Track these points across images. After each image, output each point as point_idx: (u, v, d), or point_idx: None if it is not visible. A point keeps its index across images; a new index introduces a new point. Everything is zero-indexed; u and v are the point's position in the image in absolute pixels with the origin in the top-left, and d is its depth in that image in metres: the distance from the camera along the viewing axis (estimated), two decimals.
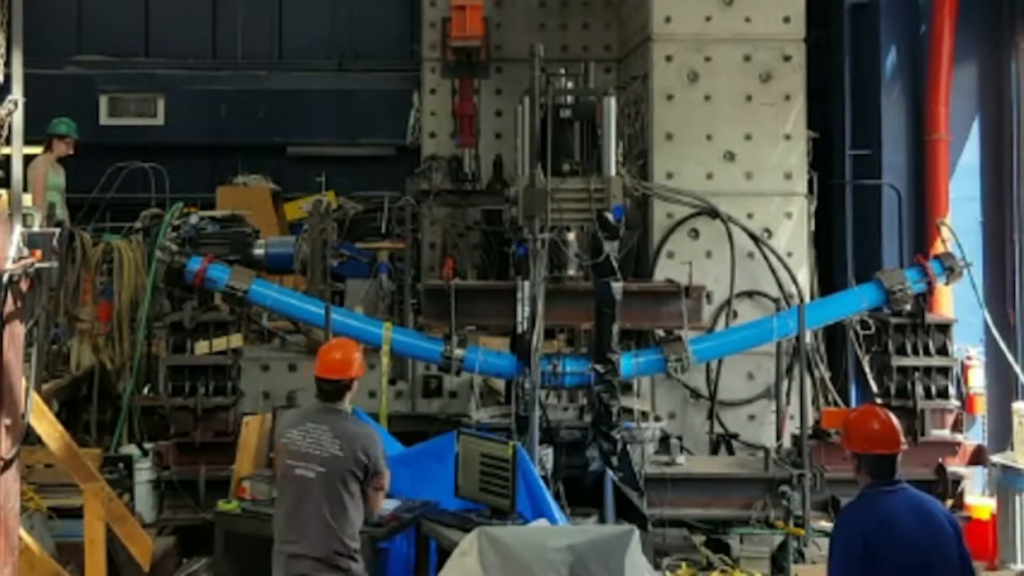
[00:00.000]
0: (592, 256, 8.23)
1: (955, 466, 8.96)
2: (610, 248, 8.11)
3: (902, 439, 5.18)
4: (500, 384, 9.55)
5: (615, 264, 8.18)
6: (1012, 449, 8.72)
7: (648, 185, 10.25)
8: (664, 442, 9.07)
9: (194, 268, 8.82)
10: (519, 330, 8.15)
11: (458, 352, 8.68)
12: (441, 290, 8.77)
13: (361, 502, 5.93)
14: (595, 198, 8.13)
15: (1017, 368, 9.98)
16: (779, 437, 9.33)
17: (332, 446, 5.86)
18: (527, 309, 8.04)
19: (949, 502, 8.77)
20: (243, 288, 8.86)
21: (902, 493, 5.06)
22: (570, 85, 8.42)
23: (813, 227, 10.73)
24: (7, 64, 5.40)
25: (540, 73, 8.13)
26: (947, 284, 9.20)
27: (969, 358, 9.70)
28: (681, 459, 9.02)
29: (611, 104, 8.22)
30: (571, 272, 8.62)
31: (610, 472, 8.09)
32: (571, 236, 8.51)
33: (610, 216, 8.09)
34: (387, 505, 6.84)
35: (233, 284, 8.85)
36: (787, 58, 10.49)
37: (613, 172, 8.21)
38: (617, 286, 8.18)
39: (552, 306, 8.24)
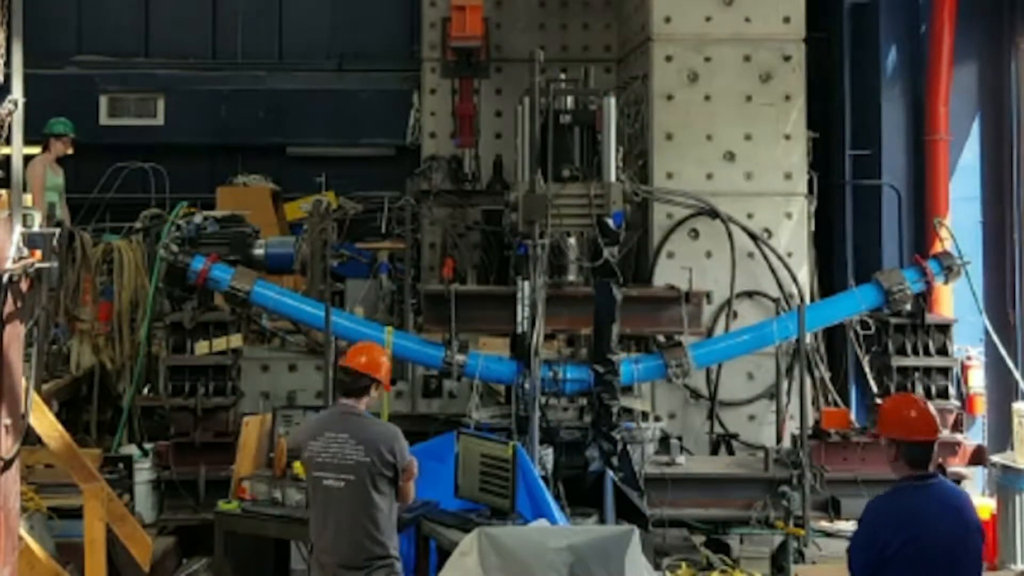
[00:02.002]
0: (592, 260, 8.22)
1: (955, 466, 8.96)
2: (609, 253, 8.10)
3: (939, 427, 5.14)
4: (500, 384, 9.54)
5: (615, 268, 8.17)
6: (1012, 449, 8.72)
7: (648, 189, 10.24)
8: (664, 442, 9.07)
9: (197, 268, 8.82)
10: (519, 331, 8.15)
11: (459, 358, 8.66)
12: (441, 295, 8.75)
13: (394, 498, 5.92)
14: (595, 204, 8.12)
15: (1017, 374, 9.96)
16: (779, 438, 9.33)
17: (357, 453, 5.80)
18: (527, 309, 8.03)
19: None
20: (246, 289, 8.85)
21: (935, 487, 5.00)
22: (570, 96, 8.40)
23: (813, 227, 10.73)
24: (7, 64, 5.39)
25: (540, 77, 8.12)
26: (946, 283, 9.21)
27: (969, 358, 9.70)
28: (681, 459, 9.03)
29: (611, 110, 8.21)
30: (571, 277, 8.58)
31: (610, 472, 8.09)
32: (571, 241, 8.49)
33: (610, 222, 8.09)
34: None
35: (236, 285, 8.84)
36: (787, 58, 10.50)
37: (613, 178, 8.20)
38: (617, 290, 8.18)
39: (552, 311, 8.23)
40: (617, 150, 8.31)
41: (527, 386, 8.03)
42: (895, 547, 4.84)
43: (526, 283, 8.04)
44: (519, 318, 8.13)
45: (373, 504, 5.79)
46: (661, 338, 9.27)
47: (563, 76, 8.59)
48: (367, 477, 5.79)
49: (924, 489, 4.97)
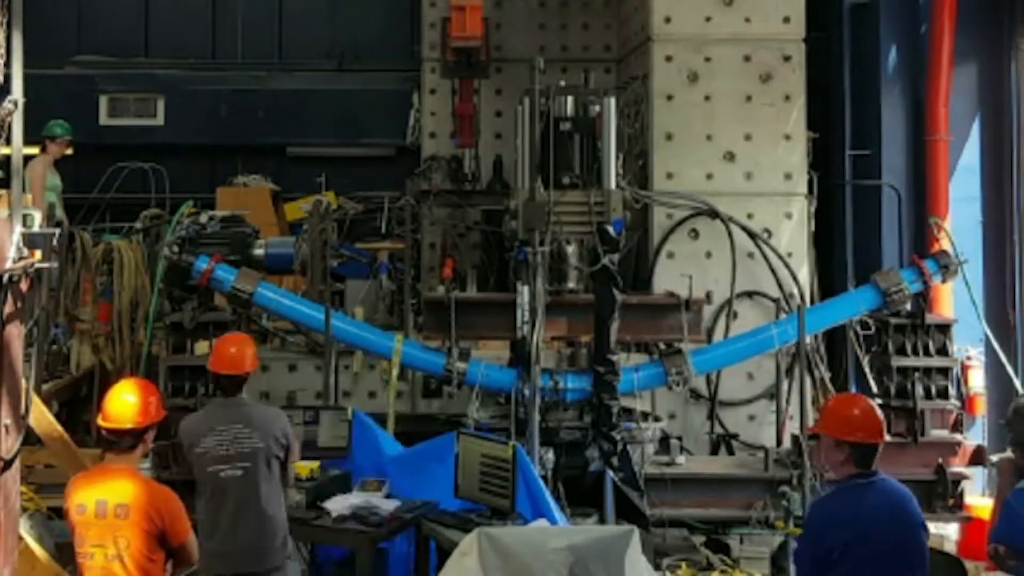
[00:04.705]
0: (591, 264, 8.21)
1: (955, 466, 8.96)
2: (608, 260, 8.09)
3: (884, 429, 5.09)
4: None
5: (615, 274, 8.16)
6: None
7: (648, 194, 10.24)
8: (664, 442, 9.06)
9: (201, 268, 8.81)
10: (519, 335, 8.15)
11: (460, 365, 8.66)
12: (441, 302, 8.74)
13: (280, 481, 6.18)
14: (595, 211, 8.11)
15: (1017, 381, 9.95)
16: (779, 438, 9.33)
17: (252, 440, 6.05)
18: (527, 315, 8.03)
19: (949, 502, 8.80)
20: (249, 290, 8.84)
21: (877, 484, 5.01)
22: (570, 97, 8.38)
23: (813, 227, 10.73)
24: (7, 64, 5.38)
25: (540, 79, 8.10)
26: (943, 282, 9.21)
27: (969, 358, 9.71)
28: (681, 459, 9.03)
29: (611, 116, 8.20)
30: (571, 284, 8.56)
31: (610, 472, 8.09)
32: (571, 248, 8.48)
33: (610, 229, 8.08)
34: (387, 505, 6.86)
35: (239, 286, 8.83)
36: (787, 58, 10.50)
37: (613, 185, 8.19)
38: (617, 293, 8.18)
39: (552, 318, 8.23)
40: (617, 156, 8.30)
41: (527, 392, 8.02)
42: (840, 550, 4.85)
43: (526, 288, 8.04)
44: (519, 322, 8.12)
45: (270, 486, 6.06)
46: (661, 344, 9.26)
47: (563, 83, 8.58)
48: (264, 462, 6.03)
49: (866, 488, 4.98)
